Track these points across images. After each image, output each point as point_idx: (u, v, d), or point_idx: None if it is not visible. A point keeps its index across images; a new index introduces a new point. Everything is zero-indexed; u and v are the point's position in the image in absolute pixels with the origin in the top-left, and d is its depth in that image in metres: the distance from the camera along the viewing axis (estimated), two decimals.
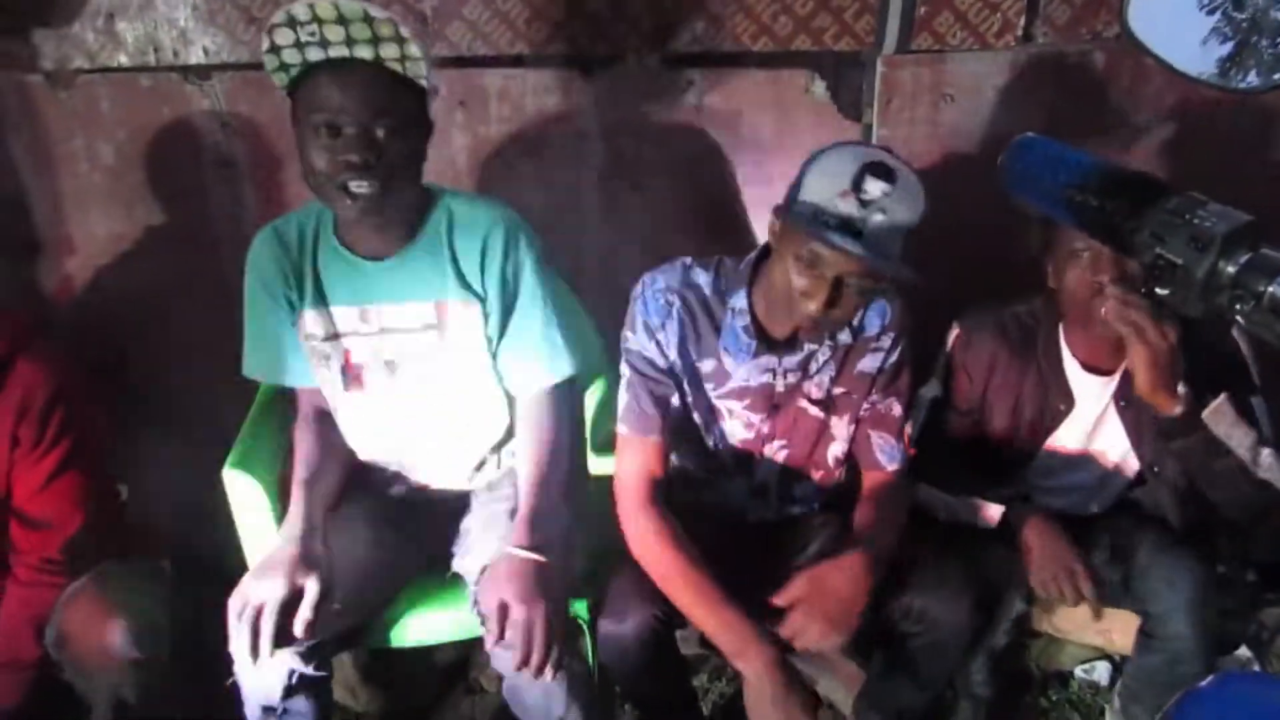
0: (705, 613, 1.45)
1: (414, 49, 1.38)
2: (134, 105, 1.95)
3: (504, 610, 1.38)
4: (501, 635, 1.38)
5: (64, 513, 1.57)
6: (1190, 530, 1.73)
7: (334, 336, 1.57)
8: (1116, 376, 1.70)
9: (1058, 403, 1.73)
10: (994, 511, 1.70)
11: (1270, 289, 0.69)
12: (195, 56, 1.92)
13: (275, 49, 1.36)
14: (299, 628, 1.36)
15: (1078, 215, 0.80)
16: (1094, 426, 1.76)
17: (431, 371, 1.58)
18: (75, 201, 2.01)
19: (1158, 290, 0.74)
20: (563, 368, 1.60)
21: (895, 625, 1.56)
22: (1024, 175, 0.86)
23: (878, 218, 1.33)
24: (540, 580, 1.41)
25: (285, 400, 1.73)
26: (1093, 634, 1.90)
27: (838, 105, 2.01)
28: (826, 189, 1.35)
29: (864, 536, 1.54)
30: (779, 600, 1.47)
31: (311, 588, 1.38)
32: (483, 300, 1.56)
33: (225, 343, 1.77)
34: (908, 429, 1.67)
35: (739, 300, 1.55)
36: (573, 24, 1.92)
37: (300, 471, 1.56)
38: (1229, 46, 0.80)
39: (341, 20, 1.33)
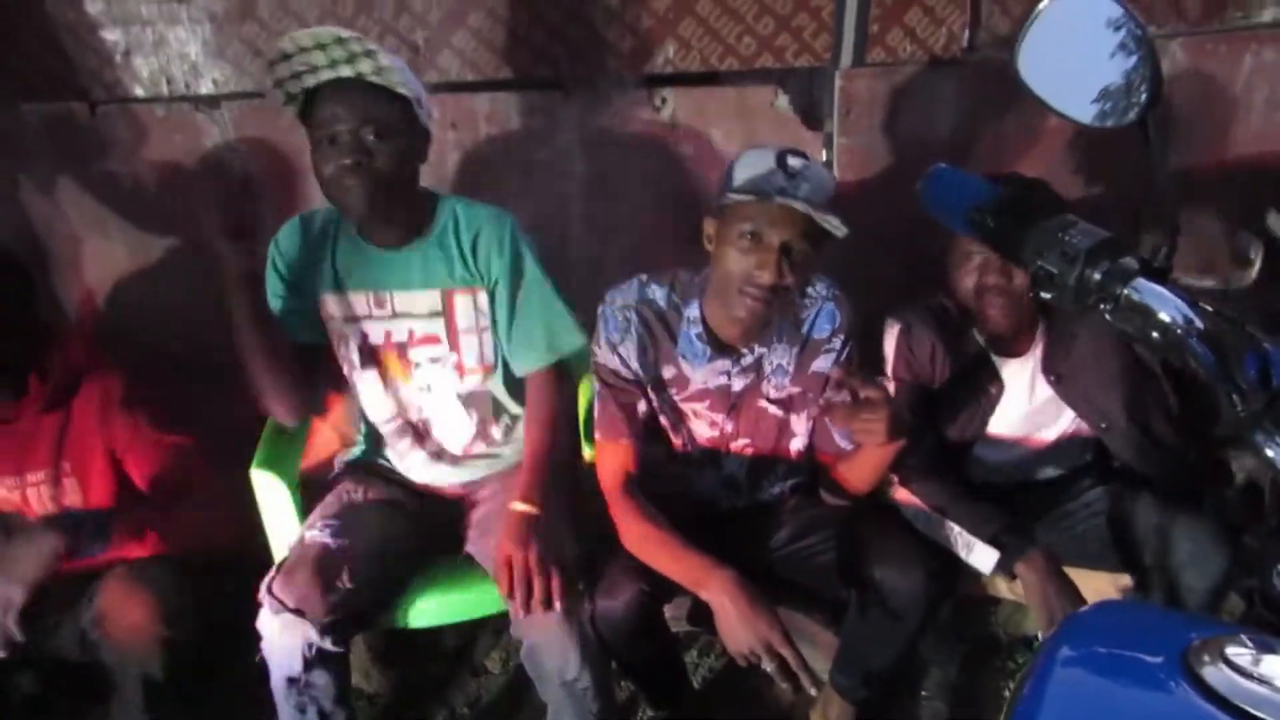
0: (669, 558, 1.60)
1: (384, 60, 1.55)
2: (149, 133, 2.08)
3: (507, 561, 1.57)
4: (511, 589, 1.55)
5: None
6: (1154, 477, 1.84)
7: (352, 319, 1.75)
8: (1030, 357, 1.84)
9: (989, 385, 1.85)
10: (986, 559, 1.72)
11: (1125, 291, 0.84)
12: (205, 87, 2.07)
13: (280, 83, 1.56)
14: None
15: (977, 232, 0.96)
16: (1025, 409, 1.87)
17: (436, 352, 1.77)
18: (96, 224, 2.14)
19: (1042, 294, 0.90)
20: (565, 344, 1.79)
21: (857, 595, 1.68)
22: (936, 198, 1.01)
23: (805, 186, 1.52)
24: (533, 529, 1.60)
25: None
26: None
27: (800, 117, 2.15)
28: (757, 170, 1.54)
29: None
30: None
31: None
32: (490, 289, 1.75)
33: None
34: None
35: (692, 310, 1.70)
36: (554, 49, 2.07)
37: None
38: (1133, 59, 0.93)
39: (320, 45, 1.52)
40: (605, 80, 2.13)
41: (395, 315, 1.75)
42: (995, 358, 1.85)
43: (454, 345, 1.77)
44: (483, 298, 1.76)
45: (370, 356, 1.77)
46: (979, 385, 1.86)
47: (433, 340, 1.76)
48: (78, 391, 1.74)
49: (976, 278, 1.75)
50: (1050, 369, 1.83)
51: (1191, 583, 1.69)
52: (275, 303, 1.75)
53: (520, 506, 1.64)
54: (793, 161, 1.53)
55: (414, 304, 1.74)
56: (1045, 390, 1.85)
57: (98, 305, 2.21)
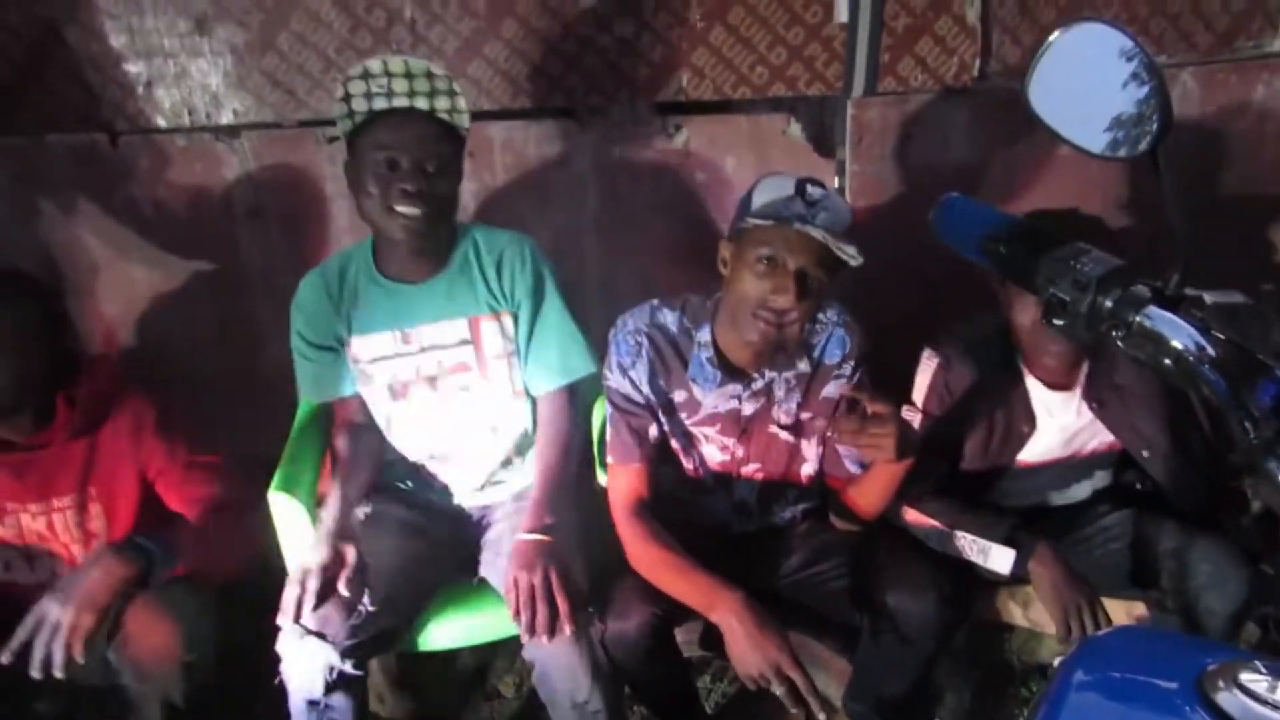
0: (678, 580, 1.60)
1: (462, 103, 1.65)
2: (170, 163, 2.12)
3: (515, 585, 1.57)
4: (518, 611, 1.55)
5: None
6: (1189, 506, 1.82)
7: (380, 359, 1.77)
8: (1076, 389, 1.81)
9: (1021, 425, 1.83)
10: (1004, 559, 1.72)
11: (1137, 319, 0.85)
12: (225, 118, 2.11)
13: (347, 98, 1.63)
14: (342, 587, 1.54)
15: (990, 260, 0.97)
16: (1068, 437, 1.85)
17: (466, 381, 1.79)
18: (117, 251, 2.18)
19: (1054, 321, 0.91)
20: (577, 368, 1.81)
21: (869, 621, 1.67)
22: (949, 227, 1.02)
23: (823, 214, 1.54)
24: (541, 554, 1.59)
25: (320, 426, 1.89)
26: None
27: (813, 145, 2.18)
28: (776, 196, 1.56)
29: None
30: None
31: (350, 554, 1.57)
32: (514, 311, 1.78)
33: (255, 377, 1.93)
34: None
35: (704, 334, 1.72)
36: (569, 79, 2.11)
37: (339, 471, 1.77)
38: (1144, 90, 0.95)
39: (408, 75, 1.61)
40: (619, 109, 2.17)
41: (424, 349, 1.77)
42: (1042, 392, 1.81)
43: (484, 372, 1.79)
44: (509, 322, 1.78)
45: (400, 392, 1.79)
46: (1011, 426, 1.83)
47: (463, 369, 1.78)
48: (107, 418, 1.76)
49: (1038, 313, 1.71)
50: (1093, 395, 1.81)
51: (1212, 605, 1.67)
52: (308, 368, 1.80)
53: (527, 536, 1.64)
54: (812, 190, 1.55)
55: (442, 335, 1.77)
56: (1085, 417, 1.83)
57: (117, 334, 2.24)
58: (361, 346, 1.77)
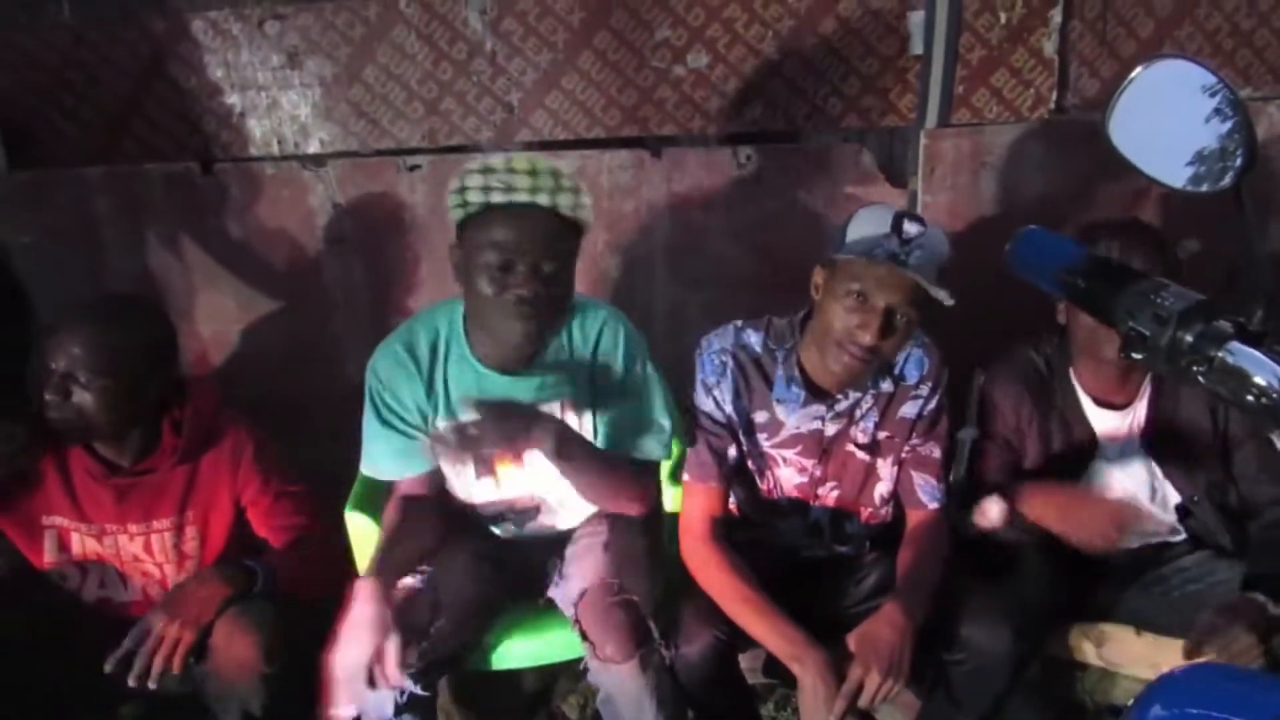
0: (764, 626, 1.60)
1: (586, 200, 1.56)
2: (259, 190, 2.21)
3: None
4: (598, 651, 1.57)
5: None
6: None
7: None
8: (1131, 411, 1.80)
9: (1083, 438, 1.82)
10: (994, 509, 1.70)
11: (1219, 354, 0.84)
12: (313, 147, 2.20)
13: (463, 189, 1.53)
14: (390, 674, 1.47)
15: (1068, 293, 0.97)
16: (1122, 464, 1.83)
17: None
18: (209, 275, 2.27)
19: (1134, 355, 0.91)
20: (653, 450, 1.74)
21: (942, 653, 1.66)
22: (1025, 260, 1.02)
23: (918, 253, 1.53)
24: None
25: None
26: (1145, 668, 1.95)
27: (885, 174, 2.18)
28: (871, 232, 1.56)
29: (902, 582, 1.66)
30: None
31: (391, 646, 1.48)
32: (595, 393, 1.72)
33: (335, 398, 1.99)
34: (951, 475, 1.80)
35: (787, 354, 1.72)
36: (643, 110, 2.15)
37: (388, 543, 1.66)
38: (1227, 124, 0.94)
39: (532, 172, 1.52)
40: (691, 139, 2.20)
41: None
42: (1092, 408, 1.81)
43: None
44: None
45: (487, 465, 1.72)
46: (1070, 436, 1.82)
47: None
48: (209, 446, 1.82)
49: (1095, 326, 1.67)
50: (1148, 434, 1.79)
51: None
52: (395, 442, 1.70)
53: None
54: (909, 227, 1.54)
55: None
56: (1136, 452, 1.82)
57: (209, 355, 2.33)
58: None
